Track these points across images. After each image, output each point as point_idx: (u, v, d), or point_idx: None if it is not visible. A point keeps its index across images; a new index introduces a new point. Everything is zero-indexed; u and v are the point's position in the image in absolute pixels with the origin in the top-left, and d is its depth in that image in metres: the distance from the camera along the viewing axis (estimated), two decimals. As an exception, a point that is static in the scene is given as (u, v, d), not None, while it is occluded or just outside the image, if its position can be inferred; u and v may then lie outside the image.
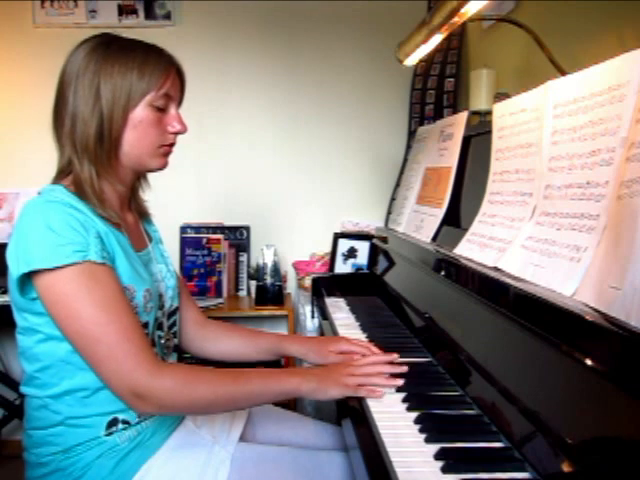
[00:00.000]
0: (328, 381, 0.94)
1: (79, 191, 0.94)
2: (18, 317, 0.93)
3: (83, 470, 0.91)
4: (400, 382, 0.95)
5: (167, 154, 1.02)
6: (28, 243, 0.85)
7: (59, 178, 0.98)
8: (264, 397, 0.94)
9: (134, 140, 0.96)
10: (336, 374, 0.96)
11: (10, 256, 0.87)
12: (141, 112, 0.95)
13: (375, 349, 1.08)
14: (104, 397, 0.91)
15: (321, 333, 1.45)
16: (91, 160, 0.94)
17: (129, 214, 1.07)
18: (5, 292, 2.02)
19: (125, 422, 0.94)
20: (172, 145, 1.02)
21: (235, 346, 1.19)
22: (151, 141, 0.98)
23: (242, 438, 1.07)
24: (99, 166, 0.95)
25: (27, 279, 0.87)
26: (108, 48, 0.95)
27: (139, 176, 1.08)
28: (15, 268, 0.86)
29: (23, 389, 0.96)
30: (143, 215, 1.15)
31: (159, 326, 1.03)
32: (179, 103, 1.03)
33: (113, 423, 0.93)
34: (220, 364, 1.05)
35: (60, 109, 0.96)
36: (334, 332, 1.32)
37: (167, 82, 0.97)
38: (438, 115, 2.17)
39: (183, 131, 1.01)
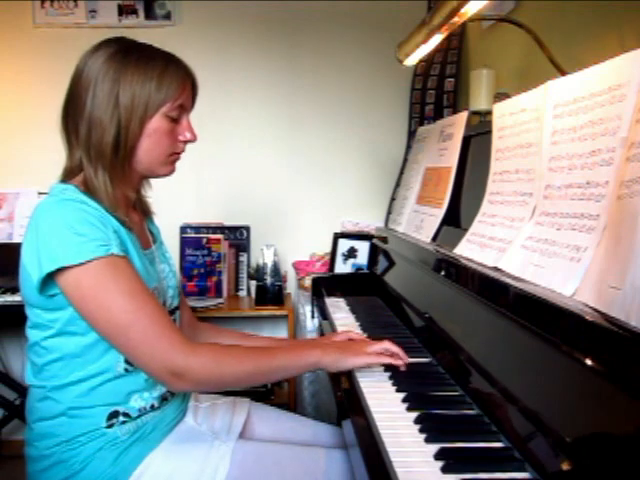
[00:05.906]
0: (349, 352, 0.98)
1: (90, 192, 0.94)
2: (30, 313, 0.95)
3: (84, 463, 0.92)
4: (409, 360, 1.01)
5: (175, 161, 1.04)
6: (51, 242, 0.86)
7: (67, 178, 0.98)
8: (289, 370, 0.99)
9: (147, 149, 0.98)
10: (355, 345, 1.02)
11: (30, 257, 0.88)
12: (156, 122, 0.96)
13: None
14: (107, 389, 0.93)
15: (321, 333, 1.45)
16: (105, 167, 0.95)
17: (135, 214, 1.08)
18: (5, 292, 2.02)
19: (126, 414, 0.95)
20: (181, 153, 1.04)
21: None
22: (163, 150, 1.00)
23: (241, 436, 1.08)
24: (113, 173, 0.96)
25: (48, 278, 0.88)
26: (127, 55, 0.95)
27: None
28: (37, 268, 0.87)
29: (29, 380, 0.97)
30: (147, 213, 1.16)
31: None
32: (190, 112, 1.05)
33: (114, 415, 0.94)
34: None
35: (74, 112, 0.96)
36: (334, 332, 1.32)
37: (183, 94, 0.99)
38: (438, 115, 2.17)
39: (194, 140, 1.03)
